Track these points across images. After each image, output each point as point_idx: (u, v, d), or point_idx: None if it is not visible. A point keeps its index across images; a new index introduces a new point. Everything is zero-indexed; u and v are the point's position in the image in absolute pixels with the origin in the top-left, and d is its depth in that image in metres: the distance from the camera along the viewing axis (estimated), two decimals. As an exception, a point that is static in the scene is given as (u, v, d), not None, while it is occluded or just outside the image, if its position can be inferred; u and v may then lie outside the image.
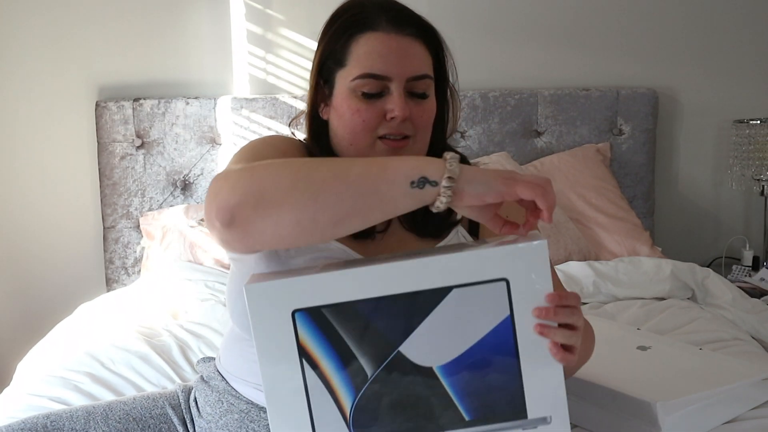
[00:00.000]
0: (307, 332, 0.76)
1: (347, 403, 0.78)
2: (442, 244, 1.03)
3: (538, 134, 2.48)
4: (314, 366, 0.77)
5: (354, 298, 0.75)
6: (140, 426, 1.04)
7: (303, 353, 0.76)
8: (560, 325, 0.78)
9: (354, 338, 0.76)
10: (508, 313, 0.76)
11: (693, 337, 1.55)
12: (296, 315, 0.75)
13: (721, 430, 1.07)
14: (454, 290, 0.76)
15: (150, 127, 2.34)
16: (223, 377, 1.04)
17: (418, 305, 0.76)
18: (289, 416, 0.77)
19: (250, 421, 0.99)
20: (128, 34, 2.38)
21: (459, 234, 1.05)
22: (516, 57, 2.52)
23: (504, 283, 0.76)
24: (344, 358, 0.77)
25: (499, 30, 2.51)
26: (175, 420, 1.06)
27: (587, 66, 2.54)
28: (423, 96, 0.99)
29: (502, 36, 2.51)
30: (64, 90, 2.38)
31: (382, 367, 0.77)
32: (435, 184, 0.77)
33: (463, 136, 2.45)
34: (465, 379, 0.77)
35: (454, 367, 0.77)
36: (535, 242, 0.76)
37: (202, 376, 1.09)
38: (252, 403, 0.99)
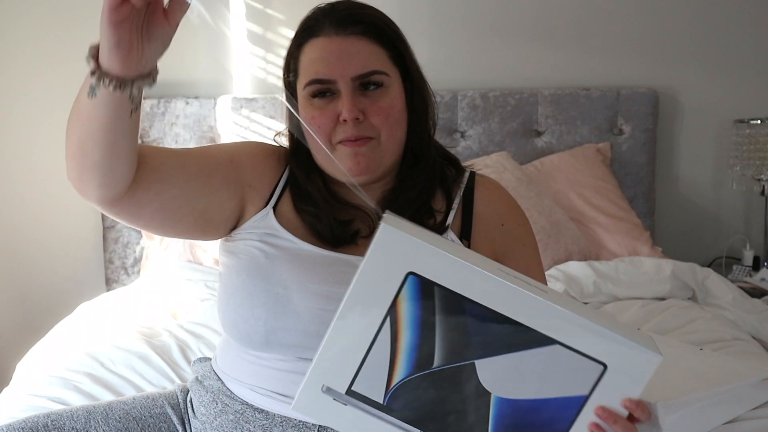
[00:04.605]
0: (408, 296, 0.75)
1: (398, 376, 0.77)
2: None
3: (539, 134, 2.48)
4: (394, 327, 0.76)
5: (471, 296, 0.75)
6: (140, 425, 1.04)
7: (392, 311, 0.76)
8: None
9: (444, 327, 0.76)
10: (587, 394, 0.77)
11: (693, 337, 1.55)
12: (409, 276, 0.75)
13: (721, 430, 1.07)
14: (557, 345, 0.76)
15: (150, 127, 2.34)
16: (218, 377, 1.04)
17: (517, 337, 0.76)
18: (342, 356, 0.77)
19: (245, 422, 0.98)
20: (128, 34, 2.38)
21: (448, 239, 1.04)
22: (516, 57, 2.52)
23: (602, 368, 0.76)
24: (423, 338, 0.76)
25: (499, 30, 2.50)
26: (175, 419, 1.07)
27: (587, 66, 2.54)
28: (377, 91, 0.98)
29: (502, 36, 2.50)
30: (64, 89, 2.37)
31: (449, 366, 0.77)
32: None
33: (463, 136, 2.45)
34: (511, 421, 0.78)
35: (509, 406, 0.78)
36: (652, 353, 0.75)
37: (197, 376, 1.09)
38: (247, 403, 0.99)
